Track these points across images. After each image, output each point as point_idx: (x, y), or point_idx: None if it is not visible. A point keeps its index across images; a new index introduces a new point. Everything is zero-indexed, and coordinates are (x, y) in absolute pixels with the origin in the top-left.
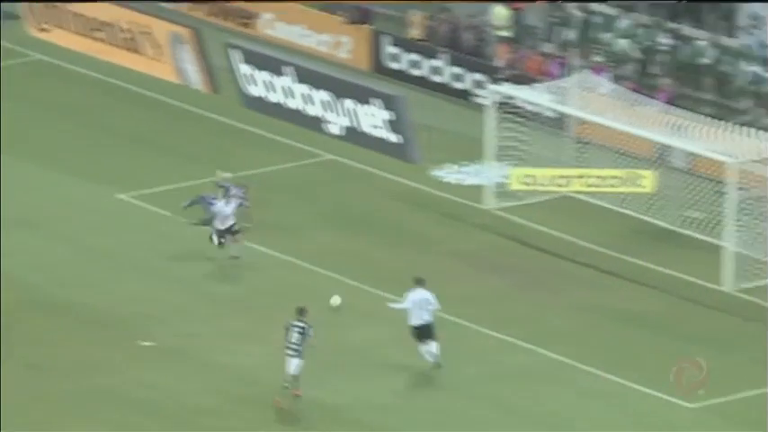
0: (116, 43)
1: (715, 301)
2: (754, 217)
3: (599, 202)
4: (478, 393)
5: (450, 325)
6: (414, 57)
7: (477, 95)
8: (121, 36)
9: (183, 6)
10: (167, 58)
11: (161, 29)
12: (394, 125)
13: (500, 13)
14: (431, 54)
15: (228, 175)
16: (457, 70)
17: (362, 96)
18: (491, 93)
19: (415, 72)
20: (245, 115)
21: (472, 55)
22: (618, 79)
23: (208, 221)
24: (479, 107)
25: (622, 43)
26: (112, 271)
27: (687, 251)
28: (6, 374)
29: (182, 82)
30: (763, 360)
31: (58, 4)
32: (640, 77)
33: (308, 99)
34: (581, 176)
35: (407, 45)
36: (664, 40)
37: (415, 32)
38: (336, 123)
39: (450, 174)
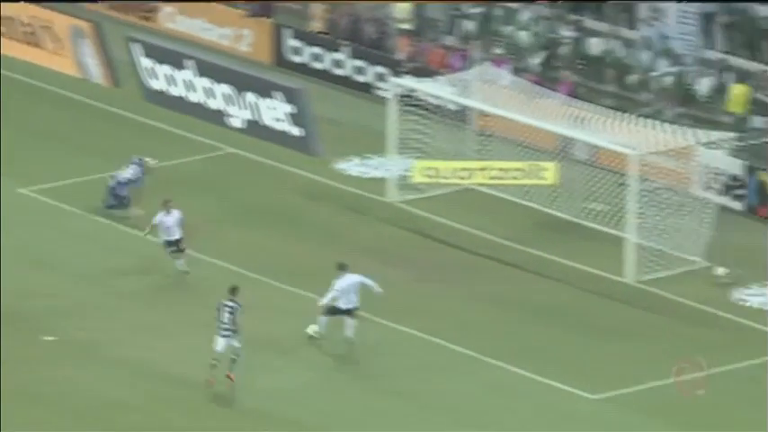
0: (17, 37)
1: (617, 293)
2: (656, 209)
3: (502, 195)
4: (382, 386)
5: (356, 319)
6: (315, 50)
7: (379, 88)
8: (22, 30)
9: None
10: (68, 52)
11: (62, 23)
12: (296, 118)
13: (401, 5)
14: (332, 47)
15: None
16: (359, 63)
17: (264, 90)
18: (393, 86)
19: (317, 65)
20: (147, 109)
21: (374, 48)
22: (519, 72)
23: (117, 204)
24: (382, 100)
25: (523, 36)
26: (15, 266)
27: (590, 243)
28: None
29: (83, 76)
30: (664, 350)
31: None
32: (542, 70)
33: (209, 93)
34: (483, 169)
35: (309, 38)
36: (565, 33)
37: (316, 25)
38: (238, 117)
39: (354, 167)
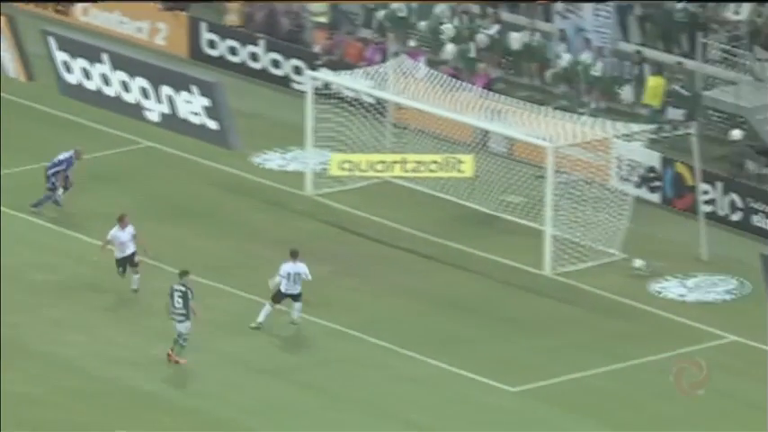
0: None
1: (535, 285)
2: (573, 201)
3: (419, 188)
4: (300, 380)
5: (273, 312)
6: (231, 43)
7: (295, 81)
8: None
9: None
10: None
11: None
12: (212, 112)
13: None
14: (248, 40)
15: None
16: (275, 56)
17: (180, 83)
18: (309, 79)
19: (234, 58)
20: (64, 103)
21: (290, 41)
22: (436, 64)
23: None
24: (299, 93)
25: (440, 28)
26: None
27: (508, 236)
28: None
29: None
30: (582, 342)
31: None
32: (458, 62)
33: (125, 86)
34: (400, 162)
35: (224, 31)
36: (482, 25)
37: (232, 18)
38: (155, 110)
39: (271, 160)
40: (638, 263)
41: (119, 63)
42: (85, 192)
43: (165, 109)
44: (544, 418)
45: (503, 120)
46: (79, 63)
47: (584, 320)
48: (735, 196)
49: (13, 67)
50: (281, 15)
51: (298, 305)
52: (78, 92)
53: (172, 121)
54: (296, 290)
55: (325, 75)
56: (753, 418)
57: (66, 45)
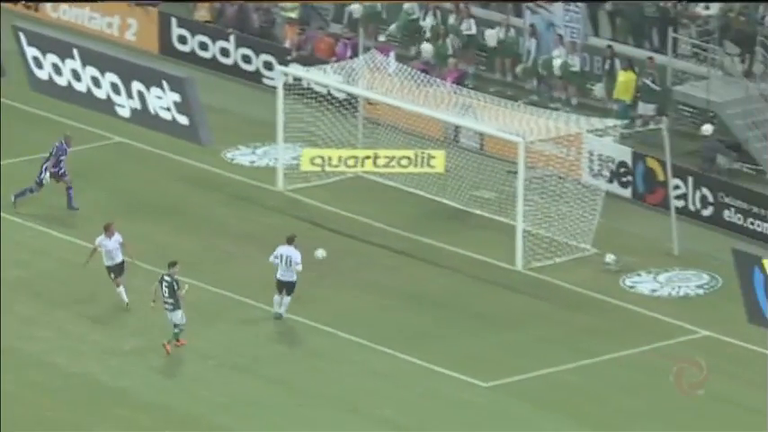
0: None
1: (507, 281)
2: (545, 196)
3: (391, 183)
4: (270, 375)
5: (244, 307)
6: (202, 39)
7: (266, 77)
8: None
9: None
10: None
11: None
12: (183, 107)
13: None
14: (219, 36)
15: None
16: (245, 52)
17: (151, 79)
18: (280, 74)
19: (204, 54)
20: (34, 98)
21: (260, 36)
22: (407, 59)
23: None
24: (270, 89)
25: (411, 23)
26: None
27: (479, 231)
28: None
29: None
30: (553, 337)
31: None
32: (432, 59)
33: (96, 82)
34: (371, 157)
35: (195, 27)
36: (453, 20)
37: (202, 14)
38: (126, 106)
39: (242, 155)
40: (609, 258)
41: (89, 59)
42: (57, 188)
43: (136, 104)
44: (517, 412)
45: (474, 115)
46: (50, 59)
47: (556, 316)
48: (706, 191)
49: None
50: (251, 11)
51: (287, 300)
52: (49, 87)
53: (143, 117)
54: (290, 277)
55: (295, 70)
56: (723, 413)
57: (36, 41)
